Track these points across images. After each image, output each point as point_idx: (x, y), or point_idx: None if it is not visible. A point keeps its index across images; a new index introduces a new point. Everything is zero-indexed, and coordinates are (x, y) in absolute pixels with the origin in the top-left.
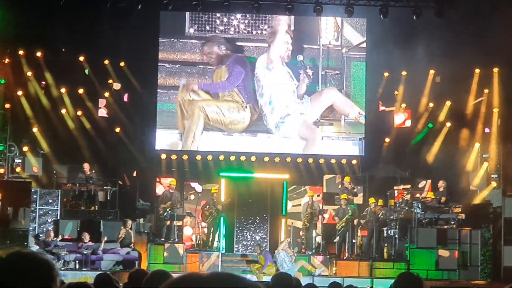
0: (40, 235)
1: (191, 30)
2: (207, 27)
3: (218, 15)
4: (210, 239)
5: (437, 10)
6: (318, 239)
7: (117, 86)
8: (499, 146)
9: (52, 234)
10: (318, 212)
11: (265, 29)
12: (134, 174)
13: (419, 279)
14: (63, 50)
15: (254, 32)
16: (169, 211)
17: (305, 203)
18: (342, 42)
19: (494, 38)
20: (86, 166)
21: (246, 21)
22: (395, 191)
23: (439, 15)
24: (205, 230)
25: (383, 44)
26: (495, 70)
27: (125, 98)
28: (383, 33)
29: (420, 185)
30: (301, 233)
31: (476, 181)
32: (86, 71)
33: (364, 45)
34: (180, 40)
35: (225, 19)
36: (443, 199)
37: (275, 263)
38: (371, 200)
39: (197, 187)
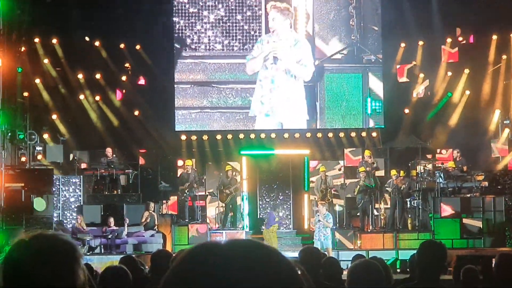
0: (64, 221)
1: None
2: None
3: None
4: (230, 218)
5: None
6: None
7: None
8: None
9: (82, 220)
10: (332, 186)
11: None
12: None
13: (442, 246)
14: (82, 37)
15: None
16: (188, 192)
17: (318, 179)
18: (314, 54)
19: (509, 3)
20: (109, 150)
21: None
22: (417, 162)
23: None
24: (224, 209)
25: (399, 14)
26: None
27: (141, 81)
28: (398, 2)
29: (441, 155)
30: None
31: (498, 148)
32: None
33: (337, 56)
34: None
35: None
36: (465, 167)
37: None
38: (393, 172)
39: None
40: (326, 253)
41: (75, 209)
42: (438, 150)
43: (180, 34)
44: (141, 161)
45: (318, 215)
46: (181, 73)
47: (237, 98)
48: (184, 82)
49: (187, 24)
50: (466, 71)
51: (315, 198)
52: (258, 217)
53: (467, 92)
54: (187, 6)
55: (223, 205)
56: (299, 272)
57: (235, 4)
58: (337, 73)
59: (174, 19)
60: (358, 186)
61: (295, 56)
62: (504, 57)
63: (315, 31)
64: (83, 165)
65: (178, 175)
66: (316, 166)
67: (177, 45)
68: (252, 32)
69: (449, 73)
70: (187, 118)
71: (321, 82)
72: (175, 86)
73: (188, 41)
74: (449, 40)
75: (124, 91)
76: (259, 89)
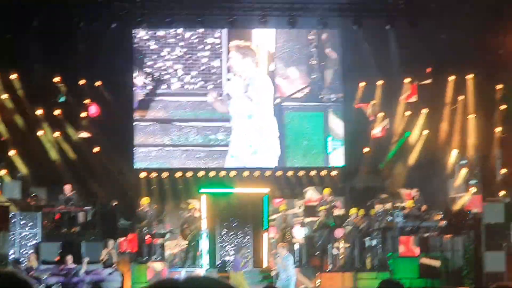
0: (21, 260)
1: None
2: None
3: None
4: (191, 256)
5: (411, 20)
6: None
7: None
8: (476, 152)
9: (34, 259)
10: (292, 225)
11: None
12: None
13: (400, 285)
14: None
15: None
16: (146, 230)
17: (278, 217)
18: (274, 93)
19: (467, 46)
20: (68, 187)
21: None
22: (375, 201)
23: (412, 24)
24: (185, 247)
25: (358, 54)
26: (469, 76)
27: (94, 110)
28: (357, 44)
29: (400, 194)
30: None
31: (455, 188)
32: (62, 99)
33: (297, 95)
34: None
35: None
36: (423, 207)
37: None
38: (352, 210)
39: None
40: None
41: (32, 247)
42: (397, 190)
43: (141, 71)
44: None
45: (278, 257)
46: (142, 110)
47: (198, 136)
48: (145, 119)
49: (148, 61)
50: (424, 111)
51: (274, 238)
52: (220, 257)
53: (425, 132)
54: (147, 43)
55: (185, 243)
56: None
57: (197, 41)
58: (298, 112)
59: (135, 55)
60: (317, 224)
61: (250, 95)
62: (461, 97)
63: (277, 70)
64: (41, 202)
65: (138, 214)
66: (280, 203)
67: (137, 82)
68: (213, 70)
69: (408, 113)
70: (147, 155)
71: (282, 120)
72: (134, 123)
73: (149, 78)
74: (406, 80)
75: (84, 127)
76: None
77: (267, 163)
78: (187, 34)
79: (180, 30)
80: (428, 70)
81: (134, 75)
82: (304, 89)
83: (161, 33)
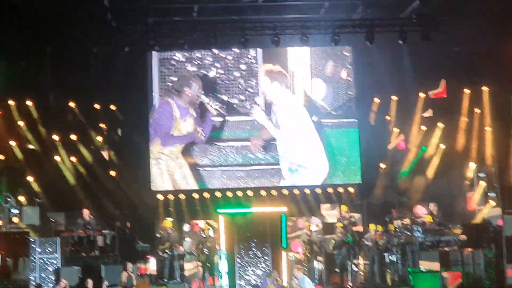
0: (42, 285)
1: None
2: None
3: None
4: (206, 276)
5: (423, 33)
6: (320, 268)
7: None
8: (494, 165)
9: (64, 283)
10: (317, 242)
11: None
12: (128, 225)
13: None
14: (57, 98)
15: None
16: (169, 252)
17: (302, 234)
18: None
19: (481, 58)
20: (86, 212)
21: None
22: (394, 217)
23: (425, 38)
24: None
25: (371, 70)
26: (485, 89)
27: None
28: (370, 60)
29: (418, 209)
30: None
31: (474, 201)
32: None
33: (338, 112)
34: None
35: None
36: (442, 221)
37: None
38: (372, 226)
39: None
40: None
41: (53, 272)
42: (415, 204)
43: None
44: (128, 225)
45: (294, 279)
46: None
47: (237, 155)
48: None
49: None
50: (440, 125)
51: (293, 256)
52: (239, 278)
53: (442, 146)
54: (185, 65)
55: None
56: None
57: (233, 62)
58: (335, 129)
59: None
60: (333, 241)
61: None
62: (477, 110)
63: (313, 89)
64: (60, 227)
65: (159, 236)
66: (304, 222)
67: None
68: (250, 90)
69: (423, 127)
70: (164, 177)
71: (321, 138)
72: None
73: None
74: (422, 94)
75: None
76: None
77: (315, 181)
78: (223, 54)
79: (216, 51)
80: (443, 84)
81: (148, 96)
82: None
83: (197, 54)
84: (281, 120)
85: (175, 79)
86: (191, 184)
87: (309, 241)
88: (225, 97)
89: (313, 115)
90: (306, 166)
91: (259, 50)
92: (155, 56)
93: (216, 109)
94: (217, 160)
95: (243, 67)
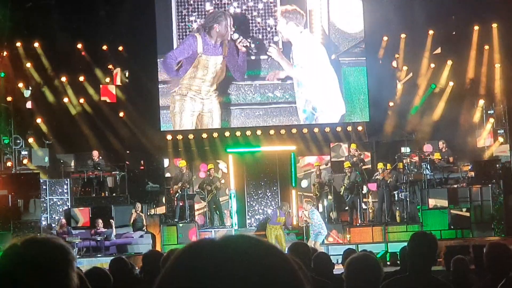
0: (53, 225)
1: None
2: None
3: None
4: (214, 217)
5: None
6: (330, 206)
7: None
8: (503, 101)
9: (64, 222)
10: (326, 181)
11: None
12: (142, 164)
13: (433, 237)
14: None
15: None
16: (180, 192)
17: (312, 174)
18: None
19: None
20: (95, 153)
21: None
22: (403, 154)
23: None
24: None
25: (380, 8)
26: (494, 25)
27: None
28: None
29: (427, 147)
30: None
31: (483, 138)
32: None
33: (354, 50)
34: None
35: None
36: (451, 158)
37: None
38: (380, 165)
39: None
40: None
41: (63, 213)
42: (424, 142)
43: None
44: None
45: (304, 212)
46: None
47: (256, 94)
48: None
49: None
50: (449, 62)
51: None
52: (248, 217)
53: (451, 83)
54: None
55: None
56: (297, 268)
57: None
58: (354, 67)
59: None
60: (343, 185)
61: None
62: (487, 47)
63: (331, 27)
64: (69, 168)
65: (173, 175)
66: (314, 162)
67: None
68: (268, 29)
69: (432, 65)
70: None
71: (339, 76)
72: (159, 86)
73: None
74: (431, 32)
75: (108, 92)
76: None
77: (331, 120)
78: None
79: None
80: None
81: (157, 37)
82: (360, 44)
83: None
84: (297, 60)
85: (193, 19)
86: (216, 123)
87: (319, 182)
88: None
89: (332, 54)
90: (321, 109)
91: None
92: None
93: (246, 46)
94: (235, 99)
95: (260, 6)
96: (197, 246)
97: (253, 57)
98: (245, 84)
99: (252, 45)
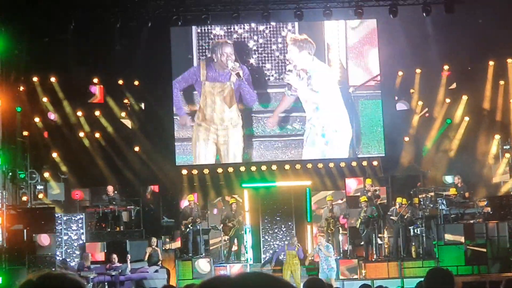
0: (68, 260)
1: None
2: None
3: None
4: (234, 251)
5: (447, 6)
6: (343, 242)
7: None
8: None
9: (90, 257)
10: (338, 216)
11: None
12: (156, 189)
13: (449, 272)
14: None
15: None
16: (191, 227)
17: (325, 208)
18: (348, 82)
19: (505, 29)
20: (110, 188)
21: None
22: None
23: (448, 10)
24: (228, 243)
25: (395, 43)
26: (509, 60)
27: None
28: (394, 33)
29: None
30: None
31: (499, 173)
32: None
33: (370, 83)
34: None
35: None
36: (467, 194)
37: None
38: (399, 199)
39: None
40: (330, 283)
41: (78, 247)
42: (440, 177)
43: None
44: (148, 196)
45: (319, 247)
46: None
47: (275, 126)
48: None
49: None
50: (464, 97)
51: (317, 228)
52: (264, 252)
53: (466, 118)
54: (225, 39)
55: (226, 238)
56: None
57: (269, 35)
58: (371, 100)
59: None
60: (360, 219)
61: (313, 87)
62: (502, 82)
63: (348, 60)
64: (85, 203)
65: (181, 210)
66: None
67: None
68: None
69: (448, 100)
70: (188, 152)
71: (356, 109)
72: (175, 117)
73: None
74: (446, 67)
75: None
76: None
77: (340, 154)
78: (261, 28)
79: (253, 25)
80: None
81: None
82: (376, 77)
83: (236, 28)
84: (316, 85)
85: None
86: (238, 155)
87: (330, 216)
88: (259, 67)
89: (350, 87)
90: (332, 136)
91: (296, 24)
92: (194, 30)
93: (238, 74)
94: (255, 131)
95: (279, 40)
96: (214, 282)
97: (270, 90)
98: (264, 116)
99: (271, 76)
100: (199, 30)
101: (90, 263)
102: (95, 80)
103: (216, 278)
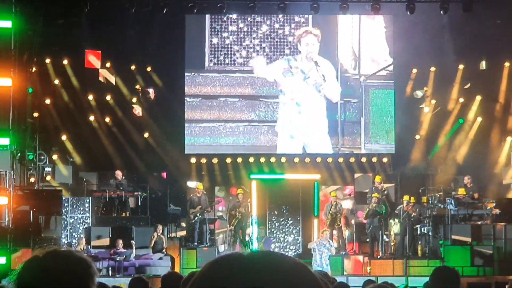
0: (73, 243)
1: (211, 64)
2: (226, 60)
3: (236, 47)
4: (238, 241)
5: (465, 4)
6: (348, 237)
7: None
8: None
9: (84, 241)
10: (341, 212)
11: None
12: (164, 176)
13: (456, 272)
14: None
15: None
16: (199, 216)
17: (328, 204)
18: (359, 71)
19: None
20: (119, 173)
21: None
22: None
23: (467, 9)
24: (231, 233)
25: (410, 40)
26: None
27: (151, 95)
28: (410, 30)
29: (452, 182)
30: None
31: (510, 176)
32: (113, 81)
33: (382, 72)
34: (201, 74)
35: (244, 53)
36: (476, 195)
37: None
38: (405, 197)
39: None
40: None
41: (83, 231)
42: (449, 177)
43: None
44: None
45: (323, 243)
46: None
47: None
48: (232, 95)
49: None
50: (478, 97)
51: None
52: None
53: (479, 119)
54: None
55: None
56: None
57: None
58: (382, 89)
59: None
60: (367, 209)
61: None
62: None
63: (361, 50)
64: (92, 187)
65: (188, 198)
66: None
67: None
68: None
69: (461, 100)
70: (235, 130)
71: (367, 98)
72: (187, 99)
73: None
74: (461, 66)
75: (135, 112)
76: (284, 107)
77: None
78: (274, 17)
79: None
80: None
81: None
82: (388, 67)
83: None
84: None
85: (225, 35)
86: None
87: (335, 212)
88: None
89: (361, 76)
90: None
91: (309, 17)
92: (207, 18)
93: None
94: (264, 116)
95: (288, 28)
96: (228, 259)
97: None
98: (273, 101)
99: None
100: (213, 17)
101: (90, 247)
102: (107, 65)
103: (230, 254)
